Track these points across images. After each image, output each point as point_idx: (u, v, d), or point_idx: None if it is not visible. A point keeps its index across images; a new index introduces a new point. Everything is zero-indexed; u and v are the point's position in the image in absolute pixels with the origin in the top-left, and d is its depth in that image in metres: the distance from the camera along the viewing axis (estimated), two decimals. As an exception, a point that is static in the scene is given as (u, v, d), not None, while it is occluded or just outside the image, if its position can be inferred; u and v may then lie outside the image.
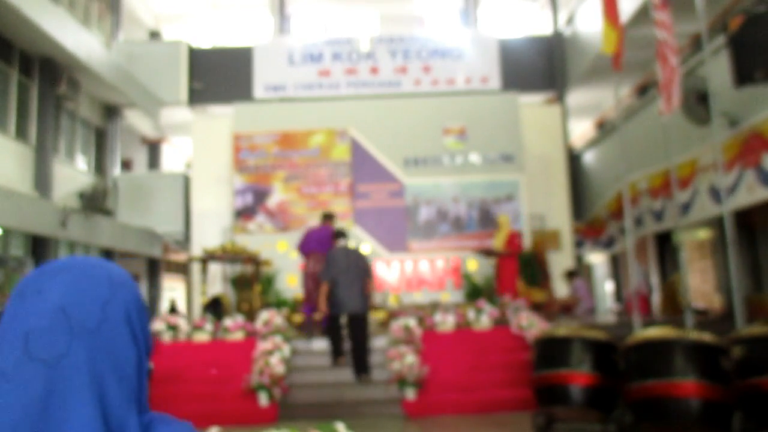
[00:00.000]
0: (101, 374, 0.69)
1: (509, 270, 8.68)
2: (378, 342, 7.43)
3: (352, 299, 6.67)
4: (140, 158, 16.54)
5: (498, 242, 8.90)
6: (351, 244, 7.35)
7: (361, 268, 6.82)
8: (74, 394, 0.67)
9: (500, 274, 8.83)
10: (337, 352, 6.96)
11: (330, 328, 6.97)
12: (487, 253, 9.07)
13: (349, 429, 2.68)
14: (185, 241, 13.54)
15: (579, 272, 11.95)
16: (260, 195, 12.22)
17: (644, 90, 12.68)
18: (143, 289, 14.65)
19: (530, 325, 7.22)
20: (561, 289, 11.86)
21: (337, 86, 13.55)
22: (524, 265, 11.32)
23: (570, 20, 14.03)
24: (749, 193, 7.81)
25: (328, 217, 8.38)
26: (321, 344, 7.48)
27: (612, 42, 7.13)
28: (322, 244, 7.77)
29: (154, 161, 16.59)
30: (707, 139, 8.11)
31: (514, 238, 8.80)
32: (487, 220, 12.09)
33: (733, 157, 8.08)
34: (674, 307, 10.24)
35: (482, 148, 12.33)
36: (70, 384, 0.67)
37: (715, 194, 8.51)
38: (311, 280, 7.87)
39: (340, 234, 7.13)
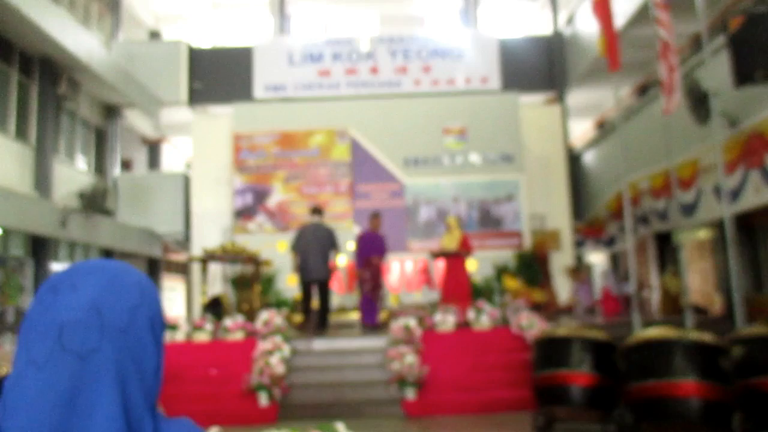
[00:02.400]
0: (126, 373, 0.72)
1: (463, 271, 8.55)
2: (378, 342, 7.44)
3: (317, 268, 7.80)
4: (140, 158, 16.54)
5: (451, 243, 8.57)
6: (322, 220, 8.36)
7: (325, 242, 7.89)
8: (101, 389, 0.69)
9: (454, 274, 8.52)
10: (305, 313, 8.06)
11: (303, 293, 8.09)
12: (441, 254, 8.69)
13: (349, 429, 2.68)
14: (185, 241, 13.54)
15: (581, 271, 11.98)
16: (260, 195, 12.22)
17: (644, 90, 12.68)
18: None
19: (530, 325, 7.22)
20: (563, 288, 11.88)
21: (337, 86, 13.55)
22: (524, 266, 11.34)
23: (570, 20, 14.03)
24: (756, 195, 7.79)
25: (374, 217, 8.50)
26: (321, 344, 7.49)
27: (604, 45, 7.13)
28: (375, 248, 8.23)
29: (154, 161, 16.59)
30: (708, 139, 8.10)
31: (468, 239, 8.67)
32: (487, 220, 12.10)
33: (735, 157, 8.07)
34: (673, 306, 10.24)
35: (482, 148, 12.33)
36: (99, 379, 0.69)
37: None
38: (367, 284, 8.24)
39: (316, 211, 8.18)
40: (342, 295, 11.19)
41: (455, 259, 8.51)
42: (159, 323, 0.79)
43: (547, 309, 10.71)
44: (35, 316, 0.73)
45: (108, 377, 0.70)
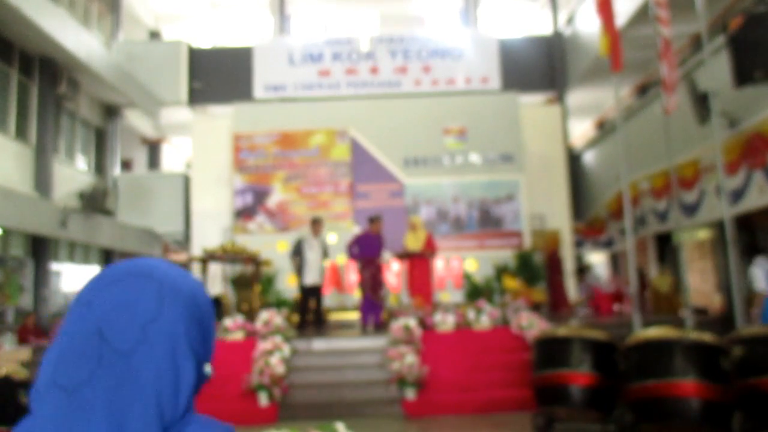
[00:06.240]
0: (123, 401, 0.66)
1: (428, 271, 8.52)
2: (378, 342, 7.44)
3: (314, 275, 8.57)
4: (140, 158, 16.54)
5: (416, 243, 8.54)
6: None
7: (321, 251, 8.74)
8: (88, 424, 0.65)
9: (418, 274, 8.46)
10: (303, 317, 8.68)
11: (302, 299, 8.78)
12: (406, 255, 8.65)
13: (349, 429, 2.68)
14: (185, 241, 13.53)
15: (587, 271, 12.00)
16: (260, 195, 12.22)
17: (644, 90, 12.68)
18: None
19: (530, 325, 7.22)
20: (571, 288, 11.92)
21: (337, 86, 13.54)
22: (523, 266, 11.33)
23: (570, 20, 14.02)
24: (761, 195, 7.77)
25: (374, 221, 8.63)
26: (321, 344, 7.49)
27: (607, 45, 7.12)
28: (372, 248, 8.39)
29: (154, 161, 16.59)
30: (708, 139, 8.10)
31: (432, 239, 8.63)
32: (487, 220, 12.09)
33: (737, 157, 8.06)
34: (666, 306, 10.21)
35: (482, 148, 12.32)
36: (84, 413, 0.65)
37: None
38: (366, 283, 8.40)
39: (317, 222, 8.72)
40: (327, 295, 11.21)
41: (420, 260, 8.48)
42: (189, 329, 0.73)
43: (558, 309, 10.71)
44: (58, 335, 0.70)
45: (95, 411, 0.65)
